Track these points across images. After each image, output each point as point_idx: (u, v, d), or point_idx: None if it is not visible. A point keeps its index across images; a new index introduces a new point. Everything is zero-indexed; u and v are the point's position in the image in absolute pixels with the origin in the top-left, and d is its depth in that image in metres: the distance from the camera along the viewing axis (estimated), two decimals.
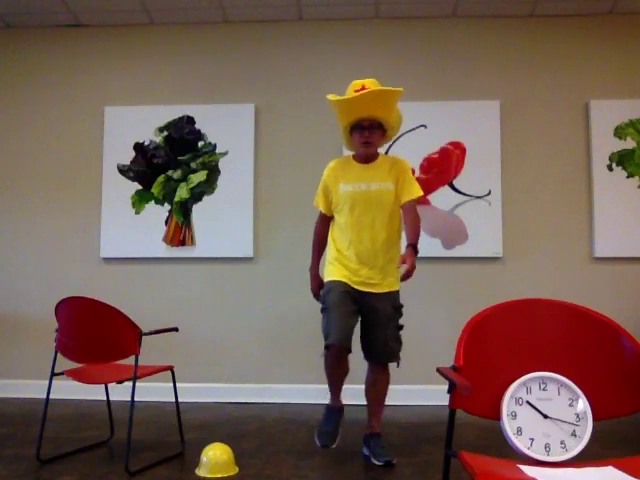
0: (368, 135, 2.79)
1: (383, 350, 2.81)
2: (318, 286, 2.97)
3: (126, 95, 4.39)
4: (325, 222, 2.98)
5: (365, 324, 2.84)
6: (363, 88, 2.72)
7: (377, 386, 2.88)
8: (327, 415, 2.85)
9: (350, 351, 2.73)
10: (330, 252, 2.93)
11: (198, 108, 4.32)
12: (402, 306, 2.87)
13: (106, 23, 4.40)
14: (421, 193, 2.90)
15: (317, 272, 3.00)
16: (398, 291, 2.87)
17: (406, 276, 2.69)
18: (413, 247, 2.75)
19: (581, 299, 2.23)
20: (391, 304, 2.82)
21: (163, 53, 4.40)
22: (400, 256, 2.76)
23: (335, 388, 2.88)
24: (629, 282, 4.05)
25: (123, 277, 4.27)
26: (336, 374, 2.82)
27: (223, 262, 4.24)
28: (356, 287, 2.79)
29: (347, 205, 2.83)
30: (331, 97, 2.76)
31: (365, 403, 2.92)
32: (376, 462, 2.72)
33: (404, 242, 2.82)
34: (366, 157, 2.88)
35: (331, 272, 2.86)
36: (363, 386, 2.90)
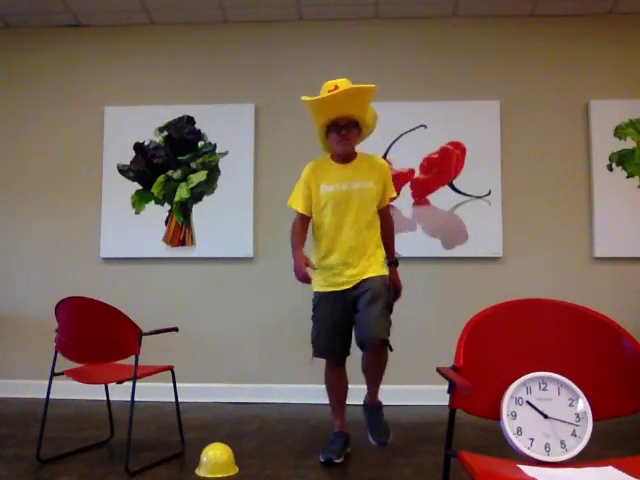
0: (345, 134, 2.78)
1: (373, 323, 2.63)
2: (305, 264, 2.75)
3: (126, 95, 4.39)
4: (304, 223, 2.94)
5: (357, 308, 2.74)
6: (336, 88, 2.72)
7: (375, 361, 2.75)
8: (332, 439, 2.87)
9: (347, 356, 2.87)
10: (314, 258, 2.89)
11: (198, 108, 4.32)
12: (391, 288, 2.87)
13: (106, 23, 4.40)
14: (395, 194, 3.03)
15: (302, 252, 2.79)
16: (386, 275, 2.84)
17: (397, 297, 2.91)
18: (396, 264, 2.95)
19: (581, 299, 2.22)
20: (380, 282, 2.76)
21: (163, 53, 4.40)
22: (389, 279, 2.87)
23: (336, 407, 2.92)
24: (629, 282, 4.05)
25: (123, 277, 4.27)
26: (334, 385, 2.90)
27: (223, 262, 4.24)
28: (343, 288, 2.79)
29: (329, 206, 2.82)
30: (306, 98, 2.74)
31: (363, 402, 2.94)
32: (372, 441, 2.72)
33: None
34: (345, 156, 2.88)
35: (317, 282, 2.86)
36: (363, 386, 2.88)
